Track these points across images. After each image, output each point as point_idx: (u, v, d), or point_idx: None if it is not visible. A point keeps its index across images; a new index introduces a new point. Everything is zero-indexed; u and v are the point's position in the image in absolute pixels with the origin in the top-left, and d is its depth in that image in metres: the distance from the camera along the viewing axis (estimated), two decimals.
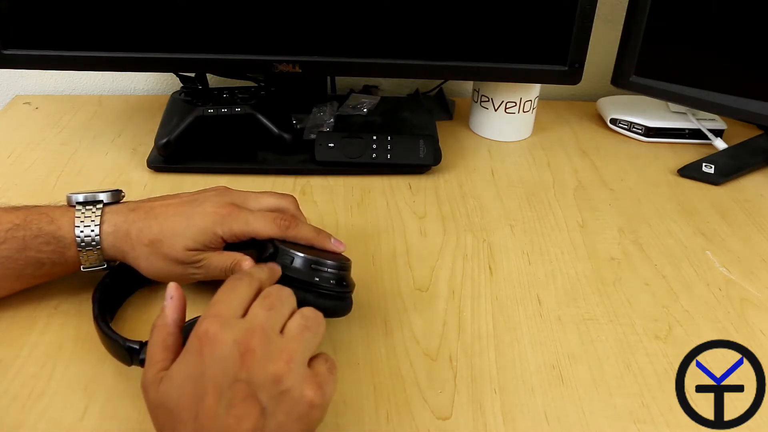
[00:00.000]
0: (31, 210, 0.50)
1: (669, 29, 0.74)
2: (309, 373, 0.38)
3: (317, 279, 0.47)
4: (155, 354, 0.39)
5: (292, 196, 0.55)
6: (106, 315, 0.49)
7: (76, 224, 0.49)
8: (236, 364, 0.35)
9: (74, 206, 0.50)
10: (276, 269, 0.46)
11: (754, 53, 0.71)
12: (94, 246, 0.49)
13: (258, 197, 0.53)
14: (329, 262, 0.48)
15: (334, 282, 0.48)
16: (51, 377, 0.47)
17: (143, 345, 0.44)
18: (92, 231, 0.49)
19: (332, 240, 0.52)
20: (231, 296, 0.39)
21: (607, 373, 0.50)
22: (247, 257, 0.49)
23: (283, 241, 0.50)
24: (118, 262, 0.52)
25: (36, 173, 0.73)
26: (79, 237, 0.49)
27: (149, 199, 0.53)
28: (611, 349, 0.52)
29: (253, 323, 0.38)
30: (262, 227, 0.50)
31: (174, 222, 0.49)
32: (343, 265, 0.50)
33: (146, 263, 0.50)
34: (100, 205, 0.50)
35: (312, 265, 0.48)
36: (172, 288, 0.41)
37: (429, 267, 0.60)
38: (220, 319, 0.37)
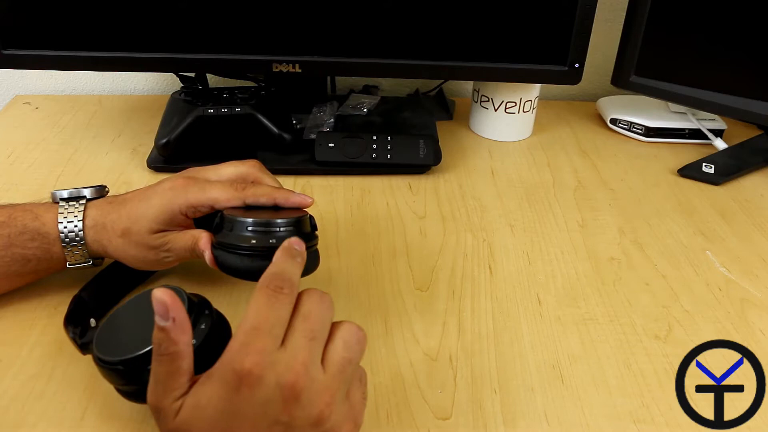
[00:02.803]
0: (15, 207, 0.50)
1: (669, 29, 0.74)
2: (346, 408, 0.37)
3: (273, 241, 0.44)
4: (170, 382, 0.36)
5: (254, 159, 0.53)
6: (79, 314, 0.49)
7: (59, 220, 0.49)
8: (278, 407, 0.34)
9: (58, 202, 0.50)
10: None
11: (755, 53, 0.71)
12: (78, 241, 0.49)
13: (217, 168, 0.52)
14: (279, 221, 0.45)
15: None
16: (51, 377, 0.47)
17: (94, 329, 0.43)
18: (75, 226, 0.49)
19: (296, 194, 0.49)
20: (271, 320, 0.36)
21: (607, 373, 0.50)
22: (204, 232, 0.48)
23: (246, 208, 0.48)
24: (103, 259, 0.52)
25: (36, 173, 0.73)
26: (62, 233, 0.49)
27: (129, 191, 0.53)
28: (611, 349, 0.52)
29: (296, 358, 0.35)
30: (219, 194, 0.48)
31: (137, 207, 0.49)
32: (297, 219, 0.46)
33: (124, 254, 0.50)
34: (83, 201, 0.50)
35: (262, 229, 0.45)
36: (167, 305, 0.35)
37: (429, 267, 0.60)
38: (263, 355, 0.34)
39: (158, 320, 0.35)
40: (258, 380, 0.34)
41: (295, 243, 0.41)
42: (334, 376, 0.36)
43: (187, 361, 0.36)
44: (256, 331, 0.35)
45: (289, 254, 0.40)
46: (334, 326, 0.38)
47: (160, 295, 0.35)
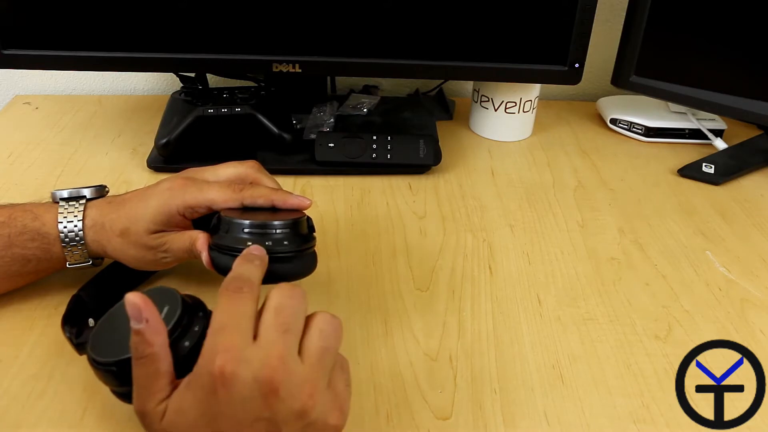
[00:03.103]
0: (15, 207, 0.50)
1: (669, 29, 0.74)
2: (330, 397, 0.37)
3: (269, 243, 0.44)
4: (151, 385, 0.36)
5: (253, 160, 0.53)
6: (77, 314, 0.49)
7: (59, 220, 0.49)
8: (258, 404, 0.34)
9: (58, 202, 0.50)
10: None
11: (754, 53, 0.71)
12: (78, 241, 0.49)
13: (216, 168, 0.52)
14: (276, 222, 0.45)
15: (288, 243, 0.45)
16: (51, 377, 0.47)
17: (91, 329, 0.43)
18: (75, 226, 0.49)
19: (294, 196, 0.49)
20: (235, 317, 0.36)
21: (607, 373, 0.50)
22: (202, 233, 0.48)
23: (243, 209, 0.48)
24: (103, 259, 0.52)
25: (36, 173, 0.73)
26: (62, 233, 0.49)
27: (129, 191, 0.53)
28: (611, 349, 0.52)
29: (271, 353, 0.35)
30: (216, 194, 0.48)
31: (135, 207, 0.49)
32: (294, 221, 0.46)
33: (122, 254, 0.50)
34: (83, 201, 0.50)
35: (258, 231, 0.45)
36: (140, 307, 0.35)
37: (429, 267, 0.60)
38: (233, 352, 0.34)
39: (133, 323, 0.35)
40: (232, 377, 0.34)
41: (254, 249, 0.42)
42: (313, 366, 0.36)
43: (164, 363, 0.36)
44: (221, 330, 0.35)
45: (246, 259, 0.41)
46: (308, 317, 0.38)
47: (132, 298, 0.35)
